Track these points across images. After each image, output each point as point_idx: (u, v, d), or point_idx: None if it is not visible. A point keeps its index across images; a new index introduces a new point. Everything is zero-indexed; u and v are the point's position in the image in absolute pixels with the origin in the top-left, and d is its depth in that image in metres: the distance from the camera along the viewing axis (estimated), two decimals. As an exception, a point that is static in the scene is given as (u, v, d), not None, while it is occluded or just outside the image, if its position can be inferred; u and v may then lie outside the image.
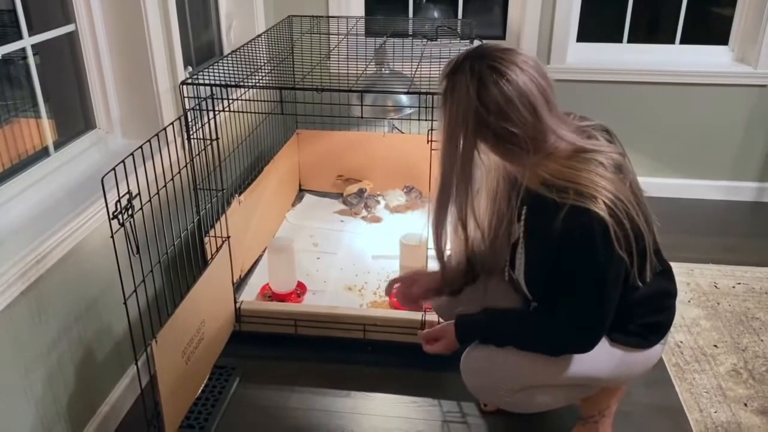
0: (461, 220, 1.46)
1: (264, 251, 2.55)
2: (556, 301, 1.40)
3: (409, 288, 1.69)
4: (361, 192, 2.86)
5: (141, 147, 1.44)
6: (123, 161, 1.36)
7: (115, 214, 1.33)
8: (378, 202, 2.86)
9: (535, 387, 1.52)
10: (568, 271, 1.36)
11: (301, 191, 3.11)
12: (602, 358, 1.47)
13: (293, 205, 2.99)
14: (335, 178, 3.00)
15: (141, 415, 1.85)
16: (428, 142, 1.80)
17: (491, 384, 1.54)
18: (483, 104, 1.28)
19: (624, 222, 1.30)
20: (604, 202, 1.27)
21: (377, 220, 2.84)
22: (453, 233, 1.51)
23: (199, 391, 1.88)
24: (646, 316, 1.50)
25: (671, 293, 1.55)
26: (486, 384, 1.56)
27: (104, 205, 1.67)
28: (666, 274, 1.54)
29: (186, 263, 1.83)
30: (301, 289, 2.33)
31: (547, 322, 1.43)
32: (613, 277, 1.35)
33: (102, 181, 1.30)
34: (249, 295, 2.29)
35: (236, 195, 2.23)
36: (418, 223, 2.77)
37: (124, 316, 1.82)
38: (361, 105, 1.83)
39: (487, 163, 1.45)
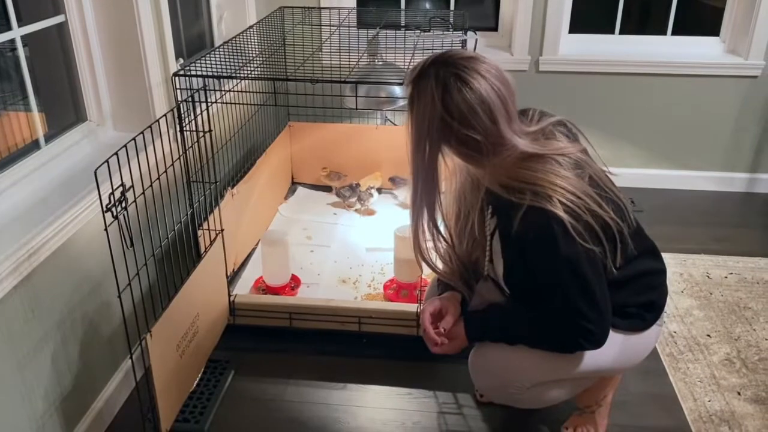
0: (432, 221, 1.48)
1: (257, 244, 2.53)
2: (549, 303, 1.40)
3: (438, 320, 1.59)
4: (354, 184, 2.85)
5: (134, 139, 1.43)
6: (116, 153, 1.34)
7: (109, 206, 1.32)
8: (371, 195, 2.85)
9: (545, 383, 1.52)
10: (545, 274, 1.37)
11: (294, 184, 3.09)
12: (607, 347, 1.47)
13: (286, 198, 2.97)
14: (320, 170, 2.97)
15: (135, 410, 1.85)
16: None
17: (502, 382, 1.52)
18: (447, 110, 1.31)
19: (583, 217, 1.31)
20: (560, 201, 1.30)
21: (371, 213, 2.83)
22: (429, 235, 1.53)
23: (194, 385, 1.87)
24: (639, 296, 1.51)
25: (660, 270, 1.56)
26: (497, 383, 1.54)
27: (97, 198, 1.67)
28: (651, 253, 1.55)
29: (180, 256, 1.82)
30: (295, 282, 2.32)
31: (555, 322, 1.42)
32: (590, 268, 1.35)
33: (95, 173, 1.28)
34: (242, 289, 2.28)
35: (229, 188, 2.21)
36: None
37: (117, 310, 1.81)
38: (356, 96, 1.82)
39: (452, 166, 1.49)
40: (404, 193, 2.86)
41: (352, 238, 2.66)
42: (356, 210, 2.84)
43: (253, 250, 2.51)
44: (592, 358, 1.48)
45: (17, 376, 1.45)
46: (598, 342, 1.41)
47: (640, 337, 1.53)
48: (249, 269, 2.40)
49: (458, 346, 1.56)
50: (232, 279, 2.26)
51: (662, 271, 1.55)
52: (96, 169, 1.28)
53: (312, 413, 1.87)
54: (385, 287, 2.29)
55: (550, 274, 1.36)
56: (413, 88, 1.36)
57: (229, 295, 2.09)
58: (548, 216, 1.29)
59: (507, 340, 1.50)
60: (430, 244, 1.53)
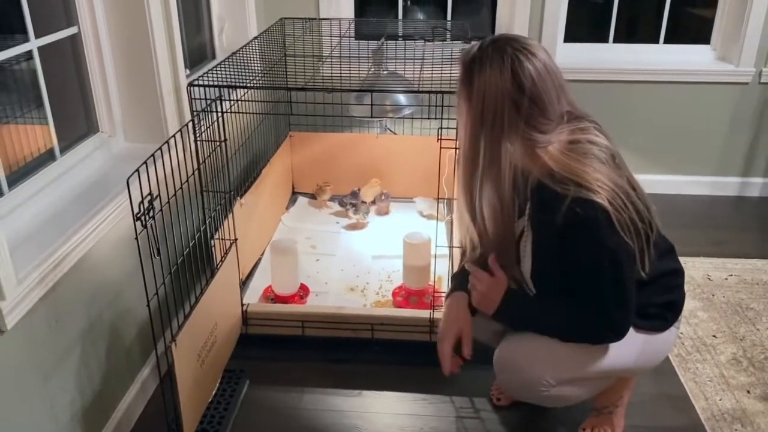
0: (479, 210, 1.48)
1: (262, 255, 2.54)
2: (580, 293, 1.42)
3: (457, 342, 1.62)
4: (356, 190, 2.86)
5: (160, 148, 1.43)
6: (145, 162, 1.35)
7: (138, 215, 1.32)
8: (368, 211, 2.84)
9: (569, 380, 1.53)
10: (583, 262, 1.39)
11: (294, 194, 3.10)
12: (630, 347, 1.50)
13: (287, 208, 2.98)
14: (322, 184, 2.98)
15: (152, 421, 1.85)
16: (438, 140, 1.82)
17: (529, 379, 1.53)
18: (518, 83, 1.33)
19: (624, 210, 1.34)
20: (604, 191, 1.32)
21: (363, 225, 2.82)
22: (468, 226, 1.54)
23: (212, 395, 1.87)
24: (661, 296, 1.54)
25: (679, 271, 1.60)
26: (524, 379, 1.54)
27: (115, 209, 1.67)
28: (670, 254, 1.59)
29: (194, 266, 1.82)
30: (303, 291, 2.32)
31: (584, 311, 1.44)
32: (627, 259, 1.38)
33: (127, 182, 1.28)
34: (251, 299, 2.27)
35: (238, 197, 2.22)
36: (408, 222, 2.78)
37: (134, 320, 1.82)
38: (371, 104, 1.84)
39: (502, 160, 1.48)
40: (424, 204, 2.89)
41: (357, 247, 2.67)
42: (357, 219, 2.83)
43: (259, 260, 2.51)
44: (616, 357, 1.51)
45: (42, 388, 1.44)
46: (621, 333, 1.44)
47: (660, 338, 1.56)
48: (256, 279, 2.40)
49: (491, 306, 1.55)
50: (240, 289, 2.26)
51: (681, 272, 1.59)
52: (128, 178, 1.28)
53: (329, 420, 1.87)
54: (394, 294, 2.31)
55: (590, 264, 1.37)
56: (473, 66, 1.37)
57: (242, 305, 2.09)
58: (596, 206, 1.31)
59: (534, 327, 1.52)
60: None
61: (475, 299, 1.59)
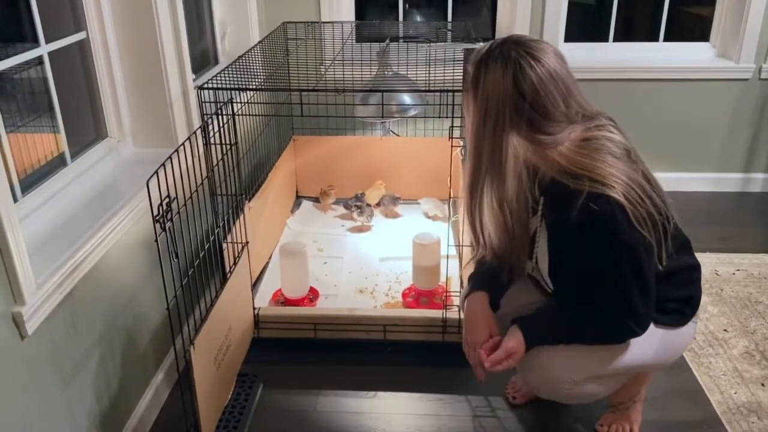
0: (497, 200, 1.46)
1: (269, 259, 2.53)
2: (600, 289, 1.42)
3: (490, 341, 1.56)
4: (360, 194, 2.86)
5: (176, 150, 1.42)
6: (163, 165, 1.34)
7: (157, 218, 1.31)
8: (372, 213, 2.84)
9: (593, 377, 1.53)
10: (602, 258, 1.39)
11: (299, 198, 3.09)
12: (649, 342, 1.50)
13: (292, 211, 2.97)
14: (326, 188, 2.97)
15: (166, 427, 1.83)
16: (449, 138, 1.83)
17: (552, 377, 1.53)
18: (518, 89, 1.33)
19: (639, 204, 1.34)
20: (619, 186, 1.32)
21: (367, 228, 2.82)
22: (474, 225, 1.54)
23: (228, 399, 1.86)
24: (678, 291, 1.54)
25: (696, 266, 1.60)
26: (547, 377, 1.54)
27: (128, 213, 1.67)
28: (687, 249, 1.58)
29: (205, 269, 1.81)
30: (313, 294, 2.31)
31: (602, 312, 1.44)
32: (645, 252, 1.38)
33: (147, 183, 1.27)
34: (261, 302, 2.26)
35: (246, 201, 2.21)
36: (413, 224, 2.78)
37: (148, 326, 1.82)
38: (382, 104, 1.84)
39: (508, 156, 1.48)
40: (429, 205, 2.89)
41: (363, 249, 2.67)
42: (362, 221, 2.83)
43: (266, 264, 2.51)
44: (636, 353, 1.51)
45: (62, 394, 1.43)
46: (644, 326, 1.45)
47: (679, 333, 1.56)
48: (265, 283, 2.39)
49: (518, 359, 1.50)
50: (251, 293, 2.25)
51: (698, 267, 1.59)
52: (148, 180, 1.27)
53: (346, 422, 1.86)
54: (404, 295, 2.30)
55: (609, 259, 1.37)
56: (479, 70, 1.37)
57: (253, 308, 2.08)
58: (611, 201, 1.31)
59: (562, 340, 1.51)
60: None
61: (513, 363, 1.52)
